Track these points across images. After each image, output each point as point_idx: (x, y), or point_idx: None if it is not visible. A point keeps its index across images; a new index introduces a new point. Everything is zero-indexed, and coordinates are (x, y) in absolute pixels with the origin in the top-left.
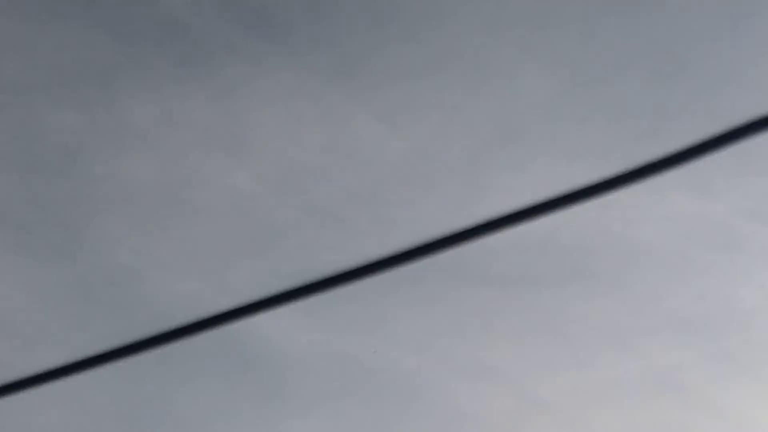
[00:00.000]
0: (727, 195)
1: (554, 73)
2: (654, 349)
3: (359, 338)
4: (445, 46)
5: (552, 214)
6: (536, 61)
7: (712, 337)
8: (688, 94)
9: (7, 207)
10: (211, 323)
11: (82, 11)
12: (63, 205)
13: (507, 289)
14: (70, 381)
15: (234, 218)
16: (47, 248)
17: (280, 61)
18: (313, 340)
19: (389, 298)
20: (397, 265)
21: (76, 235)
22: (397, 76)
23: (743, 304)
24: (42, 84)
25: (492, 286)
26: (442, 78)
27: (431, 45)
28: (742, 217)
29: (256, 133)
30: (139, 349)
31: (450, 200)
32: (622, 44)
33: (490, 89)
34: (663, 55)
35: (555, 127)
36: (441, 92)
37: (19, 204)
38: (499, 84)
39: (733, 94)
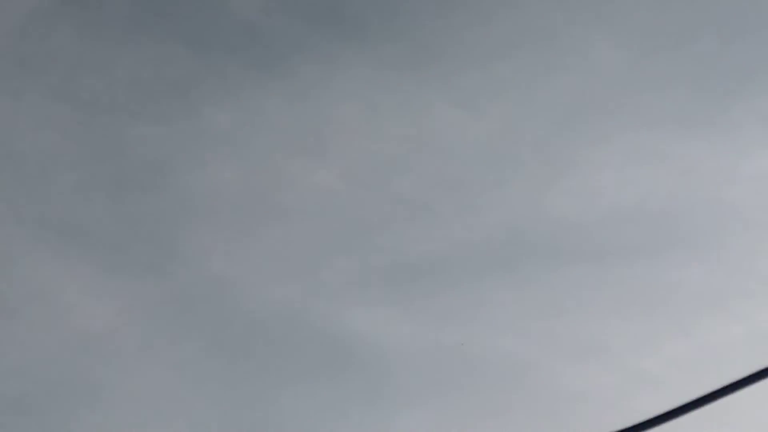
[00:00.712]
0: None
1: (627, 43)
2: (754, 310)
3: (456, 327)
4: (516, 27)
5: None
6: (609, 33)
7: None
8: (765, 50)
9: (98, 227)
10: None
11: (155, 26)
12: (152, 220)
13: (600, 264)
14: None
15: (321, 217)
16: (139, 266)
17: (353, 56)
18: (411, 332)
19: (483, 284)
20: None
21: (168, 249)
22: (471, 61)
23: None
24: (122, 101)
25: (585, 263)
26: (516, 59)
27: (502, 27)
28: None
29: (336, 129)
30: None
31: (537, 178)
32: (692, 8)
33: (565, 66)
34: (735, 13)
35: (633, 96)
36: (516, 73)
37: (109, 223)
38: (574, 60)
39: None
